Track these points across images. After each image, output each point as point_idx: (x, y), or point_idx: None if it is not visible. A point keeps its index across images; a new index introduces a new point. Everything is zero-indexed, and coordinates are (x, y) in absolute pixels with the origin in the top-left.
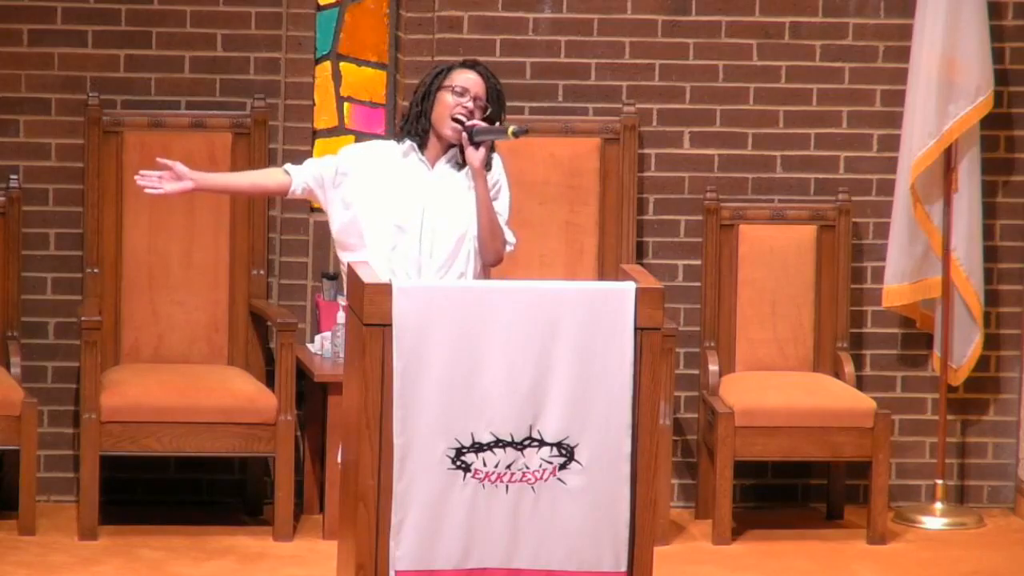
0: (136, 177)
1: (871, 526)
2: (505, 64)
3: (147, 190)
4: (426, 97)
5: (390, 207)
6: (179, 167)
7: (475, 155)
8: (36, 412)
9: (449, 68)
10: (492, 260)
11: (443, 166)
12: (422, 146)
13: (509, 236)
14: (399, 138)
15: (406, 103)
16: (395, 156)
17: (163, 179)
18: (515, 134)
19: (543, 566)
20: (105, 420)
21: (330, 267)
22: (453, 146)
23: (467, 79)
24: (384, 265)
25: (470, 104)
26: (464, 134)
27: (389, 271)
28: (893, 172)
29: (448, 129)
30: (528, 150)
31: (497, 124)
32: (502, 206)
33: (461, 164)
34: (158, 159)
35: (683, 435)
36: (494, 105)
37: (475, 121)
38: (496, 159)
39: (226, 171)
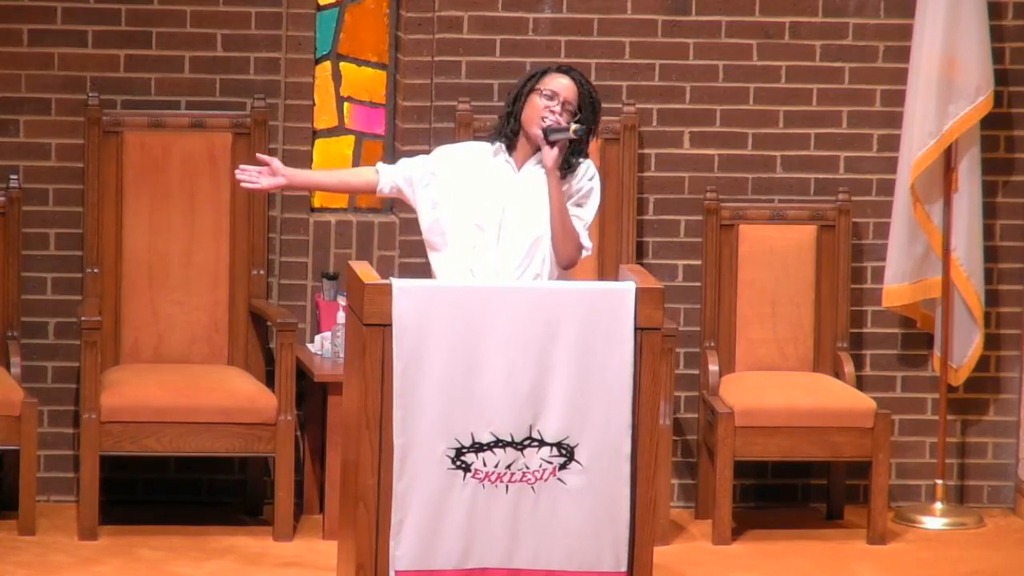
0: (236, 171)
1: (871, 526)
2: (505, 64)
3: (244, 184)
4: (518, 99)
5: (473, 206)
6: (275, 163)
7: (548, 155)
8: (36, 412)
9: (544, 71)
10: (564, 263)
11: (530, 167)
12: (511, 147)
13: (585, 241)
14: (492, 139)
15: (407, 103)
16: (485, 156)
17: (262, 174)
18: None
19: (543, 566)
20: (105, 420)
21: (330, 267)
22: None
23: (559, 84)
24: (464, 264)
25: (558, 108)
26: (541, 134)
27: (468, 270)
28: (893, 172)
29: (536, 129)
30: None
31: (570, 125)
32: (587, 212)
33: None
34: (258, 155)
35: (683, 435)
36: (587, 111)
37: (551, 121)
38: (588, 165)
39: (226, 171)
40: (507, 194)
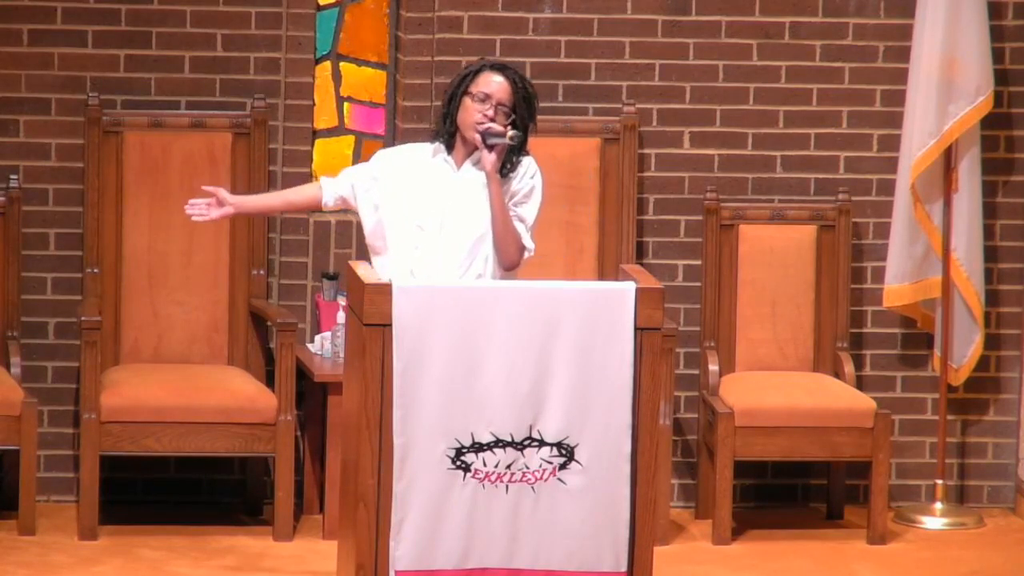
0: (186, 207)
1: (871, 526)
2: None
3: (194, 218)
4: (452, 99)
5: (413, 208)
6: (221, 193)
7: (487, 159)
8: (36, 412)
9: (478, 71)
10: (506, 265)
11: (469, 167)
12: (449, 147)
13: (527, 242)
14: (432, 138)
15: (407, 103)
16: (425, 157)
17: (210, 205)
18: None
19: (543, 566)
20: (105, 420)
21: (330, 267)
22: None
23: (491, 84)
24: (405, 266)
25: (491, 111)
26: (479, 138)
27: (408, 272)
28: (893, 172)
29: (472, 133)
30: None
31: (508, 127)
32: (528, 211)
33: None
34: (203, 187)
35: (683, 435)
36: (521, 110)
37: (489, 125)
38: (530, 163)
39: (226, 171)
40: (447, 194)
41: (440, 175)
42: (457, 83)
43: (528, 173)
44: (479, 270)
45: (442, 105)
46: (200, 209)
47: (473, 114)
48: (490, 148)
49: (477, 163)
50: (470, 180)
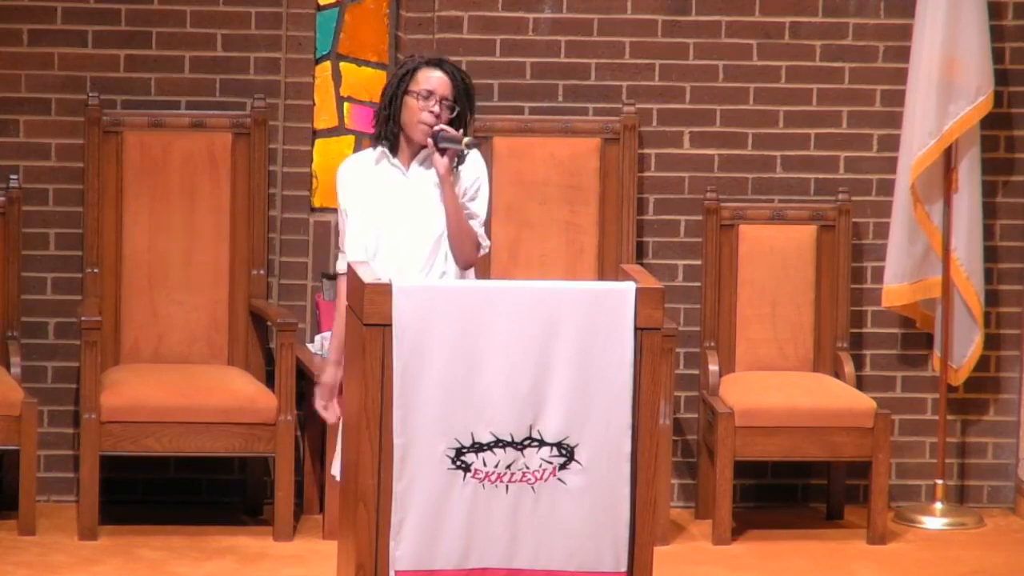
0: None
1: (871, 526)
2: (505, 64)
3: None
4: (393, 100)
5: (370, 216)
6: (325, 389)
7: (439, 162)
8: (36, 412)
9: (415, 68)
10: (463, 264)
11: (417, 168)
12: (394, 148)
13: (483, 239)
14: (373, 142)
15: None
16: (368, 165)
17: (327, 407)
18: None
19: (543, 566)
20: (105, 420)
21: (330, 267)
22: (425, 147)
23: (432, 80)
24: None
25: (436, 108)
26: (431, 142)
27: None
28: (893, 172)
29: (418, 133)
30: (528, 150)
31: (462, 132)
32: (479, 206)
33: None
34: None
35: (683, 435)
36: (463, 103)
37: (441, 127)
38: (474, 157)
39: (226, 171)
40: (400, 197)
41: (390, 179)
42: (396, 83)
43: (474, 168)
44: (441, 268)
45: (382, 108)
46: (331, 413)
47: (417, 112)
48: (442, 152)
49: (424, 162)
50: (420, 180)
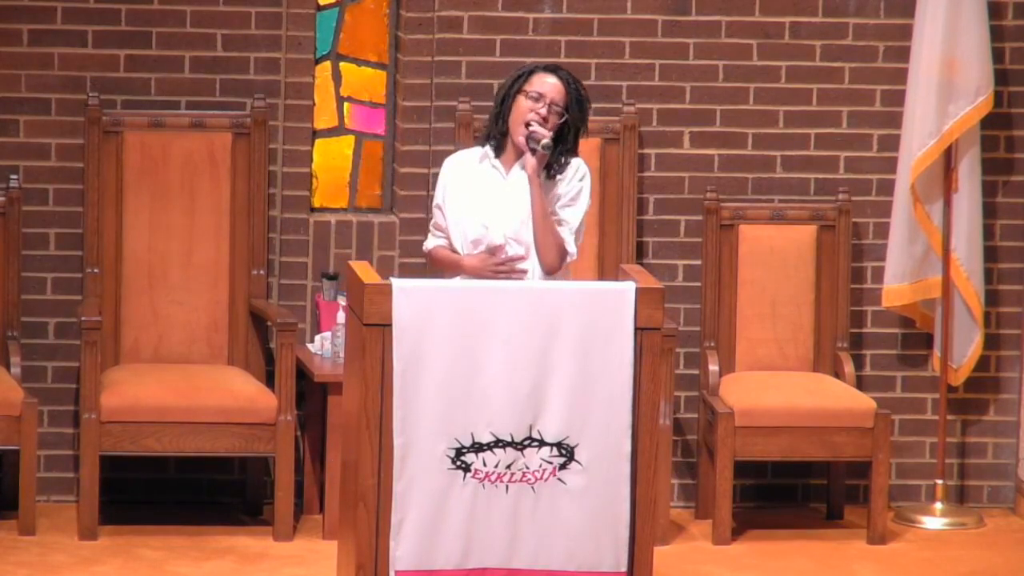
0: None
1: (871, 526)
2: (505, 64)
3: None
4: (505, 100)
5: (468, 223)
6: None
7: (528, 161)
8: (36, 412)
9: (531, 71)
10: (547, 269)
11: (518, 171)
12: (499, 149)
13: (570, 247)
14: (481, 141)
15: (407, 103)
16: (472, 164)
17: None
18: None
19: (543, 566)
20: (105, 420)
21: (330, 267)
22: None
23: (545, 84)
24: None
25: (544, 110)
26: (524, 142)
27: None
28: (893, 172)
29: (519, 135)
30: None
31: (541, 141)
32: (572, 214)
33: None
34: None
35: (683, 435)
36: (574, 111)
37: (535, 128)
38: (579, 165)
39: (226, 171)
40: (498, 202)
41: (489, 181)
42: (510, 83)
43: (578, 175)
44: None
45: (494, 106)
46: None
47: (525, 113)
48: (533, 151)
49: (524, 166)
50: (519, 184)
